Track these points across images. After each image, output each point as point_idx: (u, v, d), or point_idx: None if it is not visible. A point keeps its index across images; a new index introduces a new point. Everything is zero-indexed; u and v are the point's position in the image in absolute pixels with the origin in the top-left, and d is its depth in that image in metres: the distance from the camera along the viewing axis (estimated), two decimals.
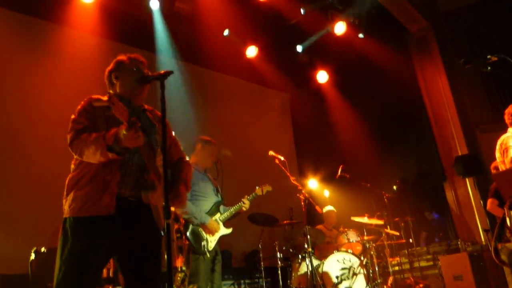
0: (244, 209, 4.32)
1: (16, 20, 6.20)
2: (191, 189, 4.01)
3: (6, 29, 6.08)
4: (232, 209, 4.25)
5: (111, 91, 2.53)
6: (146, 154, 2.28)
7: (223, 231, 4.15)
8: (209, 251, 3.93)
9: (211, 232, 4.02)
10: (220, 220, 4.15)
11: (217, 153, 4.45)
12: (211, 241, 3.98)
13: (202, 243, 3.91)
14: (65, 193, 2.27)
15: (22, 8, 6.15)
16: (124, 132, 2.02)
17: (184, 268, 4.08)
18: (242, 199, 4.35)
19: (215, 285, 3.98)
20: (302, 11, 7.22)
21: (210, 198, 4.20)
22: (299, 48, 8.23)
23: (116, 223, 2.19)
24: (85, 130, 2.22)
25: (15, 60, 6.05)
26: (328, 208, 6.75)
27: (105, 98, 2.02)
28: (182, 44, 7.17)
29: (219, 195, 4.35)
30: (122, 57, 2.53)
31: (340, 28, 7.60)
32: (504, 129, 4.11)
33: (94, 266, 2.17)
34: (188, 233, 3.94)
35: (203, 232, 3.98)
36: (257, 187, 4.56)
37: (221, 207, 4.26)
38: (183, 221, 4.01)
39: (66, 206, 2.22)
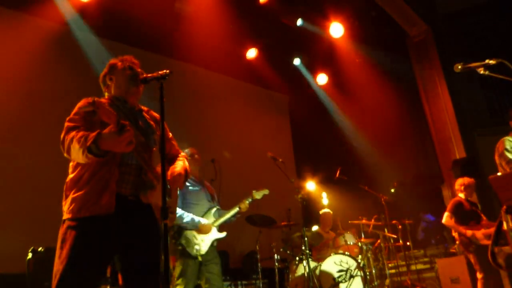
0: (244, 208, 4.33)
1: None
2: (183, 197, 4.16)
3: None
4: (228, 214, 4.26)
5: (106, 94, 2.54)
6: (142, 154, 2.27)
7: (216, 235, 4.16)
8: (201, 255, 3.98)
9: (204, 232, 4.07)
10: (214, 224, 4.17)
11: (193, 150, 4.42)
12: (203, 246, 4.03)
13: (195, 247, 3.97)
14: (64, 195, 2.25)
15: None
16: (107, 132, 2.01)
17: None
18: (241, 202, 4.36)
19: (215, 287, 4.01)
20: (299, 22, 7.29)
21: (202, 204, 4.24)
22: (296, 61, 8.69)
23: (116, 222, 2.17)
24: (76, 129, 2.20)
25: (16, 59, 6.04)
26: (324, 210, 6.76)
27: (103, 99, 2.01)
28: (181, 45, 7.18)
29: (214, 202, 4.40)
30: (114, 60, 2.54)
31: (337, 31, 7.61)
32: (500, 133, 4.11)
33: (94, 267, 2.14)
34: (181, 239, 3.99)
35: (196, 237, 4.03)
36: (253, 191, 4.56)
37: (216, 213, 4.28)
38: (176, 228, 4.07)
39: (65, 208, 2.20)
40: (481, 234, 4.90)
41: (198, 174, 4.43)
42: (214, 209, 4.29)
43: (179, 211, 4.08)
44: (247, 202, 4.40)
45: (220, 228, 4.24)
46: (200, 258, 3.95)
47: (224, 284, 6.21)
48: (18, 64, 6.02)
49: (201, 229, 4.07)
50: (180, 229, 4.04)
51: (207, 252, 4.03)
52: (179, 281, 3.87)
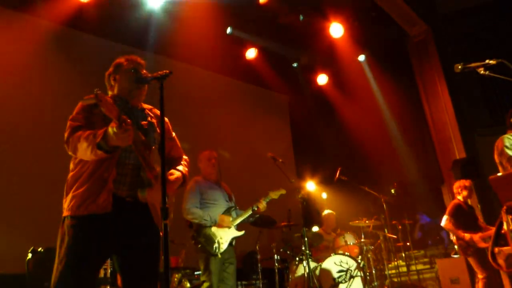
0: (262, 208, 4.38)
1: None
2: (201, 197, 4.26)
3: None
4: (245, 214, 4.36)
5: (110, 92, 2.55)
6: (142, 152, 2.28)
7: (235, 233, 4.27)
8: (221, 253, 4.08)
9: (225, 225, 4.16)
10: (232, 223, 4.28)
11: (211, 154, 4.52)
12: (223, 243, 4.12)
13: (214, 246, 4.06)
14: (64, 193, 2.28)
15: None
16: (115, 130, 2.01)
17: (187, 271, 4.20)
18: (258, 202, 4.41)
19: (228, 286, 4.12)
20: (301, 17, 7.27)
21: (220, 204, 4.35)
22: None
23: (114, 222, 2.19)
24: (81, 128, 2.23)
25: (15, 59, 6.04)
26: (328, 211, 6.76)
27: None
28: (181, 45, 7.17)
29: (232, 202, 4.51)
30: (120, 59, 2.55)
31: (337, 31, 7.60)
32: (500, 133, 4.10)
33: (92, 266, 2.17)
34: (200, 237, 4.09)
35: (216, 235, 4.12)
36: (270, 191, 4.61)
37: (233, 212, 4.40)
38: (195, 227, 4.19)
39: (65, 205, 2.22)
40: (478, 238, 4.93)
41: (216, 175, 4.51)
42: (232, 208, 4.41)
43: (197, 210, 4.18)
44: (265, 202, 4.45)
45: (239, 226, 4.35)
46: (219, 256, 4.05)
47: None
48: (17, 64, 6.01)
49: (221, 222, 4.17)
50: (199, 227, 4.13)
51: (225, 251, 4.12)
52: (204, 276, 4.03)
